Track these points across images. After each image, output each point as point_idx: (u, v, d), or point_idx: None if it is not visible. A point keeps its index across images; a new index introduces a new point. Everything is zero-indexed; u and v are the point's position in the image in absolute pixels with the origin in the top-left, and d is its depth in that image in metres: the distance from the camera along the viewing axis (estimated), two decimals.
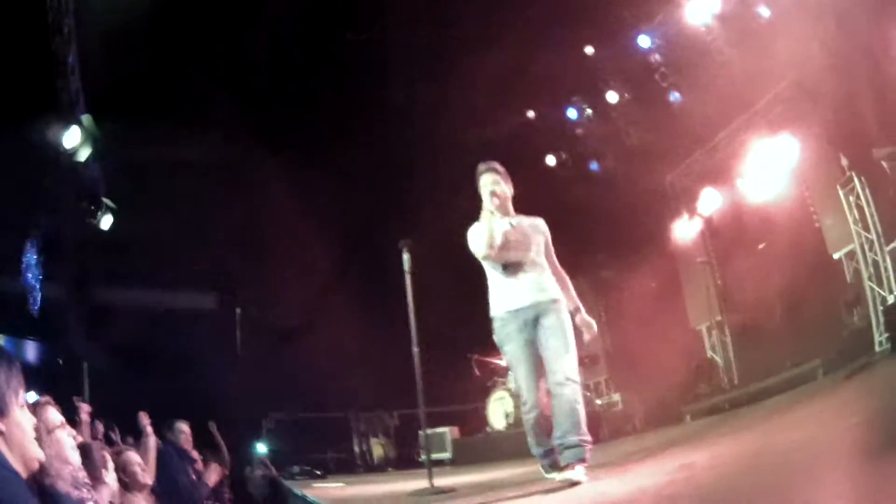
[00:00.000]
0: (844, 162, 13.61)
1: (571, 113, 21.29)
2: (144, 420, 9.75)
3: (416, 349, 10.04)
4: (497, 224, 7.90)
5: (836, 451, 4.99)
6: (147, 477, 7.87)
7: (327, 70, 19.31)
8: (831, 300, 13.97)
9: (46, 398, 5.58)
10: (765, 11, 15.17)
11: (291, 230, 21.36)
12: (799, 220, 14.88)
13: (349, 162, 20.33)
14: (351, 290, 21.30)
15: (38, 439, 4.60)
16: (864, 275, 13.06)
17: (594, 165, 21.43)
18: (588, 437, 7.34)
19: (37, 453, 3.78)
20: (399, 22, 17.87)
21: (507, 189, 8.14)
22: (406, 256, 10.34)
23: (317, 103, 19.84)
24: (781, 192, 15.55)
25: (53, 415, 5.41)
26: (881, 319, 12.22)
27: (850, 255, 13.72)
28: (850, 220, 13.37)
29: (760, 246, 16.00)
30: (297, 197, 20.87)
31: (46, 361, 18.78)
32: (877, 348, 11.88)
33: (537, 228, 8.31)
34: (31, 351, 19.09)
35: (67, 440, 5.40)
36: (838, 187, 13.50)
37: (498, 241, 7.86)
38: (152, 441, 9.33)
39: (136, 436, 11.25)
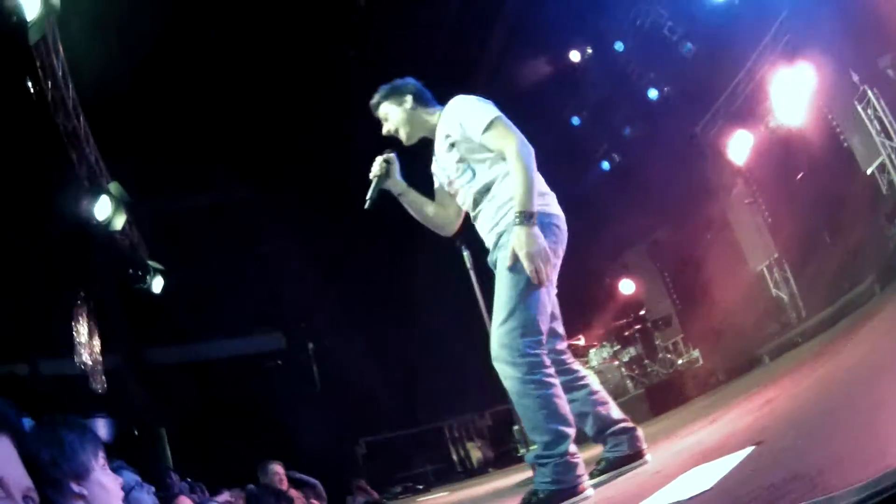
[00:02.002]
0: (855, 77, 13.67)
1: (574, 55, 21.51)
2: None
3: None
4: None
5: (891, 361, 5.19)
6: None
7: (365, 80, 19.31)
8: (874, 215, 13.92)
9: (119, 462, 5.78)
10: None
11: (346, 249, 21.49)
12: (828, 143, 14.97)
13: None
14: (417, 299, 21.36)
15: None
16: None
17: (626, 130, 21.53)
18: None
19: None
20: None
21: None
22: (466, 254, 10.48)
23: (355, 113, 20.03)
24: (806, 120, 15.54)
25: (128, 477, 5.59)
26: None
27: (882, 168, 13.68)
28: (874, 132, 13.40)
29: (798, 177, 16.02)
30: (347, 213, 21.03)
31: (120, 434, 18.89)
32: None
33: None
34: (101, 428, 19.10)
35: (146, 499, 5.68)
36: (855, 103, 13.54)
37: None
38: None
39: (228, 485, 11.48)
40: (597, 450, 6.41)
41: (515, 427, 17.48)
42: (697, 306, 18.98)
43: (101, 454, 3.83)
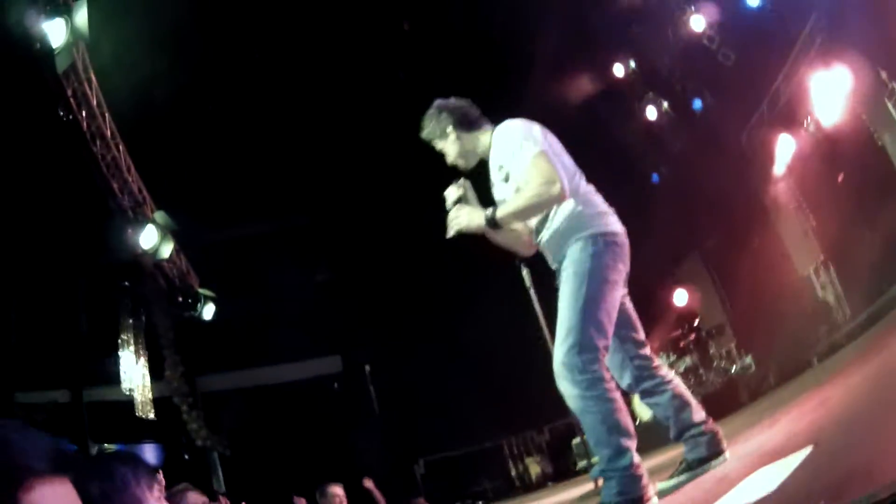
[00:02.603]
0: (884, 75, 13.70)
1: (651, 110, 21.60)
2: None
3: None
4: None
5: None
6: None
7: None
8: None
9: (185, 484, 5.97)
10: None
11: (401, 270, 21.60)
12: (863, 142, 14.91)
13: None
14: (476, 318, 21.42)
15: None
16: None
17: (671, 143, 21.59)
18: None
19: None
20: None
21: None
22: (525, 272, 10.56)
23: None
24: (842, 121, 15.55)
25: (194, 498, 5.83)
26: None
27: None
28: None
29: (839, 178, 16.05)
30: (403, 236, 21.01)
31: (170, 461, 19.00)
32: None
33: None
34: (150, 453, 19.10)
35: None
36: (886, 100, 13.58)
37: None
38: None
39: None
40: (678, 450, 6.63)
41: (575, 441, 17.58)
42: (749, 312, 19.00)
43: (157, 486, 3.95)
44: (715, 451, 6.21)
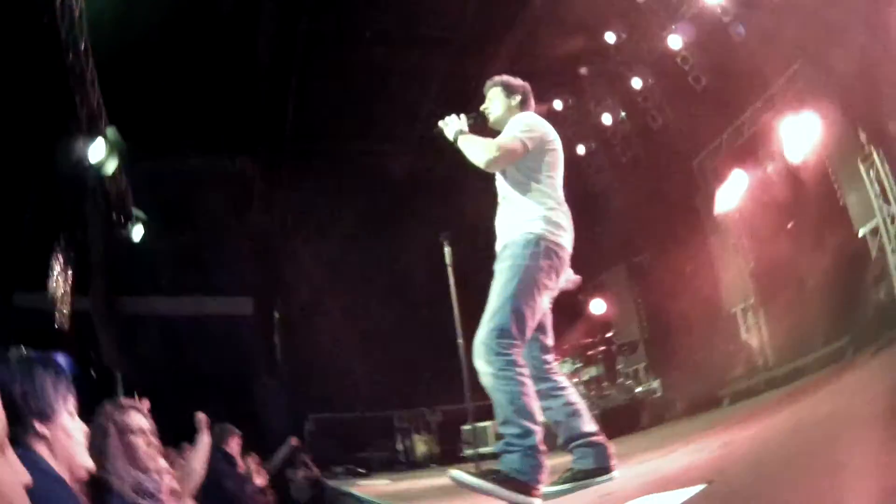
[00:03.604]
0: (863, 136, 13.69)
1: (599, 106, 21.47)
2: (203, 421, 9.72)
3: (460, 341, 10.15)
4: None
5: (861, 420, 5.22)
6: (174, 482, 7.78)
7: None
8: (859, 277, 13.88)
9: (132, 402, 5.76)
10: None
11: (324, 227, 21.48)
12: (824, 197, 14.93)
13: (385, 154, 20.39)
14: (392, 286, 21.37)
15: (107, 440, 4.86)
16: (888, 249, 13.12)
17: (623, 152, 21.54)
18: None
19: (84, 462, 3.78)
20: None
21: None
22: (447, 250, 10.46)
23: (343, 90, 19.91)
24: (806, 170, 15.55)
25: (132, 418, 5.51)
26: None
27: (875, 231, 13.73)
28: (872, 194, 13.44)
29: (789, 225, 16.03)
30: (331, 192, 20.91)
31: (78, 375, 18.76)
32: None
33: None
34: (62, 364, 19.01)
35: (139, 446, 5.45)
36: (859, 162, 13.57)
37: None
38: (206, 440, 9.33)
39: (175, 440, 11.40)
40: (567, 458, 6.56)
41: (466, 427, 17.46)
42: (665, 337, 19.04)
43: (72, 399, 3.78)
44: (603, 466, 6.29)
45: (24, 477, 3.04)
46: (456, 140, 6.72)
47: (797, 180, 15.82)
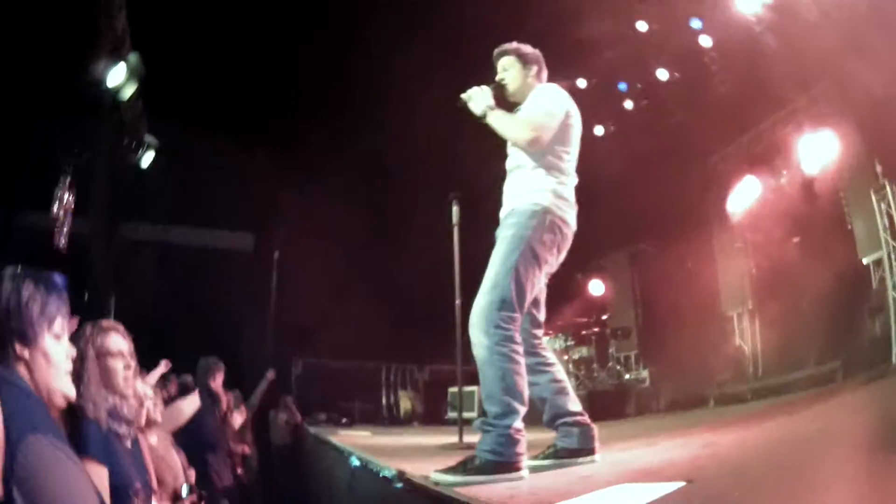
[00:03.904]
0: (879, 168, 13.71)
1: (622, 86, 21.37)
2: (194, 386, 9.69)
3: (458, 302, 10.20)
4: None
5: (846, 444, 5.31)
6: (159, 416, 7.65)
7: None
8: (857, 304, 13.93)
9: (111, 324, 5.44)
10: (810, 10, 15.27)
11: (336, 173, 21.45)
12: (833, 219, 14.96)
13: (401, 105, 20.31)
14: (396, 239, 21.33)
15: (84, 364, 4.78)
16: (889, 284, 13.11)
17: (640, 141, 21.51)
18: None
19: (64, 389, 3.61)
20: None
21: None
22: (455, 209, 10.50)
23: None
24: (819, 190, 15.54)
25: (112, 341, 5.29)
26: None
27: (879, 262, 13.73)
28: (881, 227, 13.44)
29: (795, 240, 16.03)
30: (342, 138, 20.80)
31: (71, 296, 18.58)
32: (893, 360, 11.96)
33: None
34: (58, 283, 18.80)
35: (118, 370, 5.29)
36: (872, 192, 13.56)
37: None
38: (194, 400, 9.30)
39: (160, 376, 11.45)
40: (550, 435, 6.59)
41: (452, 389, 17.52)
42: (660, 328, 18.99)
43: (61, 321, 3.67)
44: (586, 447, 6.36)
45: None
46: (484, 115, 6.55)
47: (808, 197, 15.82)
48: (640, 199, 18.98)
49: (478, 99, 6.62)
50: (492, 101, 6.61)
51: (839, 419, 7.54)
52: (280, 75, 20.43)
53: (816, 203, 15.55)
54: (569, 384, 6.63)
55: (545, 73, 7.13)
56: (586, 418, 6.47)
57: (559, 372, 6.61)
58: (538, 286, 6.43)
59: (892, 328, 12.54)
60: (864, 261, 14.03)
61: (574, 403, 6.50)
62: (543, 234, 6.21)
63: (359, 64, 19.64)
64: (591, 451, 6.33)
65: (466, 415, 12.38)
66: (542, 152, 6.44)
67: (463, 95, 6.74)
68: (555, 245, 6.33)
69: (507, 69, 7.02)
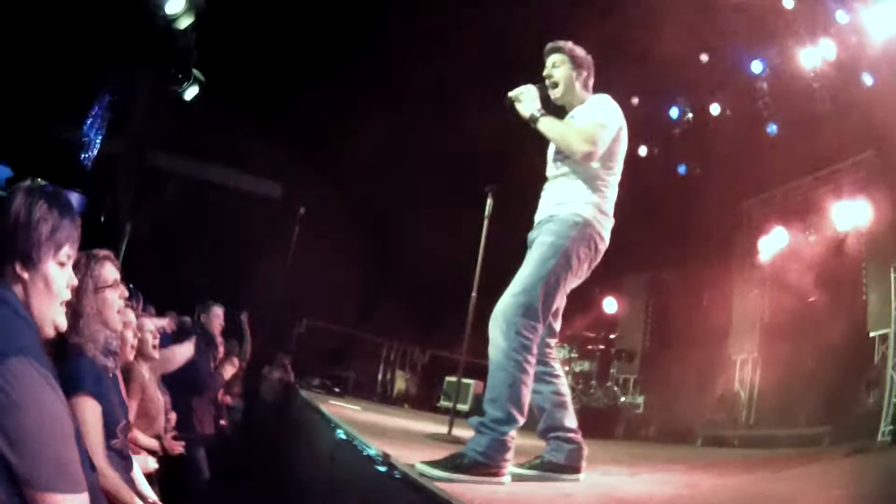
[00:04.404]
0: None
1: (673, 112, 21.34)
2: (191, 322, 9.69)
3: (474, 295, 10.25)
4: None
5: None
6: (155, 351, 7.60)
7: None
8: (857, 374, 13.81)
9: (106, 252, 5.22)
10: (868, 78, 15.26)
11: (373, 141, 21.43)
12: (850, 287, 14.94)
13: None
14: (423, 219, 21.32)
15: (83, 297, 4.60)
16: (890, 361, 13.04)
17: (681, 168, 21.48)
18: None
19: (58, 319, 3.39)
20: None
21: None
22: (489, 202, 10.52)
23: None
24: (843, 255, 15.59)
25: (108, 271, 5.10)
26: (891, 410, 12.25)
27: (884, 339, 13.54)
28: (893, 304, 13.41)
29: (811, 299, 16.02)
30: (383, 107, 20.72)
31: (86, 216, 18.53)
32: (879, 437, 11.92)
33: None
34: (72, 202, 18.66)
35: (115, 302, 5.11)
36: (892, 268, 13.52)
37: None
38: (189, 348, 9.29)
39: (164, 306, 11.44)
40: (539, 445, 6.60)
41: (450, 379, 17.57)
42: (663, 358, 18.96)
43: (70, 248, 3.42)
44: (573, 465, 6.37)
45: None
46: (534, 120, 6.42)
47: (831, 260, 15.81)
48: (669, 227, 18.98)
49: (527, 100, 6.56)
50: (539, 104, 6.54)
51: (817, 487, 7.59)
52: (333, 37, 20.43)
53: (838, 268, 15.55)
54: (570, 399, 6.62)
55: (592, 81, 7.01)
56: (579, 436, 6.45)
57: (563, 385, 6.59)
58: (563, 297, 6.39)
59: (884, 404, 12.54)
60: (872, 334, 13.92)
61: (571, 419, 6.48)
62: (581, 247, 6.16)
63: (409, 36, 19.63)
64: (576, 470, 6.35)
65: (460, 407, 12.43)
66: (590, 165, 6.36)
67: (511, 94, 6.65)
68: (588, 259, 6.30)
69: (558, 66, 6.87)
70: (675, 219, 19.04)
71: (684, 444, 14.58)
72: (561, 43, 6.91)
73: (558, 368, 6.65)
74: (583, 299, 21.13)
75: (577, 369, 19.52)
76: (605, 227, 6.39)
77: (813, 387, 14.47)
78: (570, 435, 6.40)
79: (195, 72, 18.15)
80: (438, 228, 19.27)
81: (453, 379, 15.19)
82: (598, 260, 6.46)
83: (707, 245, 18.67)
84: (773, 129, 18.03)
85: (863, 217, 15.05)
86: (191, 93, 18.23)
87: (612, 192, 6.52)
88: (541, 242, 6.19)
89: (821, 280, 15.89)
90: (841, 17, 15.86)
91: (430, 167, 20.82)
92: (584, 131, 6.26)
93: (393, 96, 20.36)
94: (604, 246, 6.40)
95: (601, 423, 15.94)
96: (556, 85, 6.80)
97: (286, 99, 21.42)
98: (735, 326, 18.31)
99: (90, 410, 4.59)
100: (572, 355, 19.69)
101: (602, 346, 20.21)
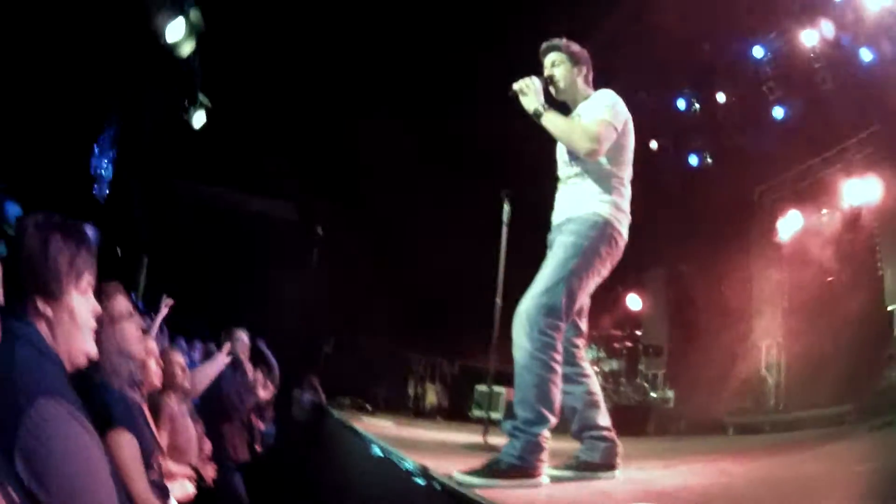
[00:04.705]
0: None
1: (680, 103, 21.35)
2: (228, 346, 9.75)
3: (499, 301, 10.31)
4: None
5: (848, 489, 5.49)
6: (186, 381, 7.62)
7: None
8: (878, 350, 13.79)
9: (115, 284, 5.19)
10: (867, 53, 15.32)
11: (389, 156, 21.46)
12: (865, 263, 14.98)
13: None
14: (443, 230, 21.35)
15: (99, 330, 4.46)
16: None
17: (692, 159, 21.52)
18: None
19: (87, 347, 3.38)
20: None
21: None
22: (507, 208, 10.57)
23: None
24: (856, 232, 15.61)
25: (121, 303, 5.07)
26: None
27: None
28: None
29: (829, 279, 16.04)
30: (399, 121, 20.68)
31: (102, 249, 18.38)
32: None
33: None
34: (88, 234, 18.53)
35: (133, 333, 5.10)
36: None
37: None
38: (221, 361, 9.35)
39: (187, 334, 11.53)
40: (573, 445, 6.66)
41: (481, 388, 17.61)
42: (690, 350, 18.85)
43: (89, 276, 3.41)
44: (608, 463, 6.42)
45: None
46: (538, 115, 6.47)
47: (845, 238, 15.84)
48: (685, 218, 19.00)
49: (531, 94, 6.59)
50: (543, 99, 6.57)
51: (843, 464, 7.66)
52: (344, 53, 20.42)
53: (853, 246, 15.58)
54: (601, 398, 6.66)
55: (591, 75, 7.06)
56: (613, 434, 6.51)
57: (594, 384, 6.63)
58: (585, 296, 6.45)
59: None
60: (889, 307, 13.98)
61: (604, 418, 6.54)
62: (602, 246, 6.22)
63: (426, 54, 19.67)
64: (611, 467, 6.40)
65: (493, 415, 12.47)
66: (601, 162, 6.43)
67: (515, 86, 6.67)
68: (609, 257, 6.35)
69: (557, 65, 6.92)
70: (690, 210, 19.09)
71: (716, 434, 14.59)
72: (556, 41, 6.97)
73: (588, 368, 6.68)
74: (607, 298, 21.18)
75: (606, 368, 19.49)
76: (624, 224, 6.46)
77: (835, 366, 14.47)
78: (604, 433, 6.46)
79: (202, 97, 18.19)
80: (459, 237, 19.31)
81: (484, 388, 15.23)
82: (619, 257, 6.49)
83: (723, 233, 18.65)
84: (779, 112, 18.08)
85: (874, 192, 15.08)
86: (199, 119, 18.24)
87: (626, 189, 6.58)
88: (561, 243, 6.26)
89: (837, 259, 15.87)
90: None
91: (446, 176, 20.87)
92: (587, 129, 6.30)
93: (408, 111, 20.42)
94: (623, 243, 6.46)
95: (632, 419, 15.90)
96: (557, 84, 6.86)
97: (297, 119, 21.49)
98: (757, 312, 18.28)
99: (127, 444, 4.58)
100: (600, 355, 19.66)
101: (629, 344, 20.17)
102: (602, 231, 6.24)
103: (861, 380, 13.48)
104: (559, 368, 5.98)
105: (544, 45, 6.99)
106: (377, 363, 22.40)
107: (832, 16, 16.09)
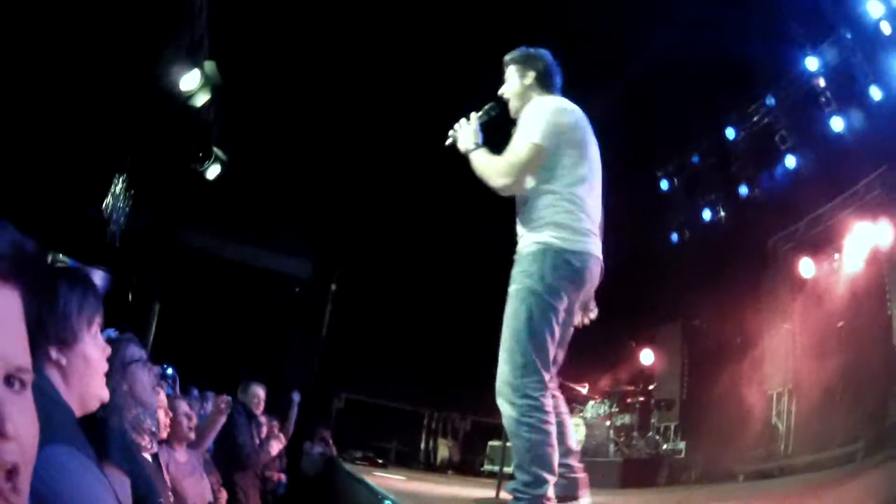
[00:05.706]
0: None
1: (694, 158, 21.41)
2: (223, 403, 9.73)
3: None
4: None
5: None
6: (191, 432, 7.60)
7: None
8: (886, 387, 13.68)
9: (129, 335, 5.23)
10: (876, 92, 15.39)
11: (401, 214, 21.51)
12: (875, 305, 14.86)
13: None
14: (454, 287, 21.36)
15: (111, 374, 4.46)
16: None
17: (706, 213, 21.52)
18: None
19: (99, 392, 3.36)
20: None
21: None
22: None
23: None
24: (865, 273, 15.60)
25: (133, 350, 5.00)
26: None
27: None
28: None
29: (839, 324, 16.03)
30: (409, 176, 20.69)
31: (113, 295, 18.38)
32: None
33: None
34: (98, 280, 18.49)
35: (144, 378, 5.05)
36: None
37: None
38: (221, 419, 9.34)
39: (200, 387, 11.58)
40: None
41: (492, 443, 17.63)
42: (702, 402, 18.86)
43: (98, 319, 3.34)
44: (571, 495, 6.28)
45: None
46: (467, 155, 6.30)
47: (856, 283, 15.85)
48: (698, 275, 19.05)
49: (462, 136, 6.40)
50: (478, 137, 6.35)
51: (853, 500, 7.67)
52: (363, 107, 20.41)
53: (863, 288, 15.56)
54: (570, 433, 6.43)
55: (555, 80, 6.61)
56: (580, 473, 6.37)
57: (567, 421, 6.43)
58: (560, 333, 6.03)
59: None
60: None
61: (572, 456, 6.34)
62: (551, 277, 5.82)
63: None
64: (573, 498, 6.28)
65: (506, 470, 12.50)
66: (530, 186, 6.08)
67: (450, 133, 6.51)
68: (570, 282, 5.92)
69: (507, 81, 6.65)
70: (700, 263, 19.15)
71: (727, 482, 14.58)
72: (506, 56, 6.70)
73: (562, 405, 6.44)
74: (621, 354, 21.21)
75: (619, 423, 19.43)
76: (578, 241, 5.98)
77: (844, 406, 14.47)
78: (569, 472, 6.28)
79: (216, 150, 18.22)
80: (473, 292, 19.33)
81: (497, 443, 15.25)
82: (592, 274, 6.11)
83: (736, 288, 18.70)
84: (790, 160, 18.17)
85: (883, 233, 15.08)
86: (213, 171, 18.26)
87: (578, 202, 6.08)
88: (509, 293, 6.02)
89: (848, 303, 15.87)
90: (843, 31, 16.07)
91: (460, 234, 20.94)
92: (499, 165, 6.08)
93: (418, 164, 20.49)
94: (587, 259, 6.02)
95: (644, 472, 15.91)
96: (508, 101, 6.61)
97: (313, 175, 21.57)
98: (768, 361, 18.23)
99: (116, 481, 4.37)
100: (613, 410, 19.60)
101: (642, 398, 20.11)
102: (544, 260, 5.85)
103: (869, 418, 13.46)
104: (551, 427, 5.76)
105: (503, 60, 6.73)
106: (388, 418, 22.44)
107: (838, 46, 16.28)
